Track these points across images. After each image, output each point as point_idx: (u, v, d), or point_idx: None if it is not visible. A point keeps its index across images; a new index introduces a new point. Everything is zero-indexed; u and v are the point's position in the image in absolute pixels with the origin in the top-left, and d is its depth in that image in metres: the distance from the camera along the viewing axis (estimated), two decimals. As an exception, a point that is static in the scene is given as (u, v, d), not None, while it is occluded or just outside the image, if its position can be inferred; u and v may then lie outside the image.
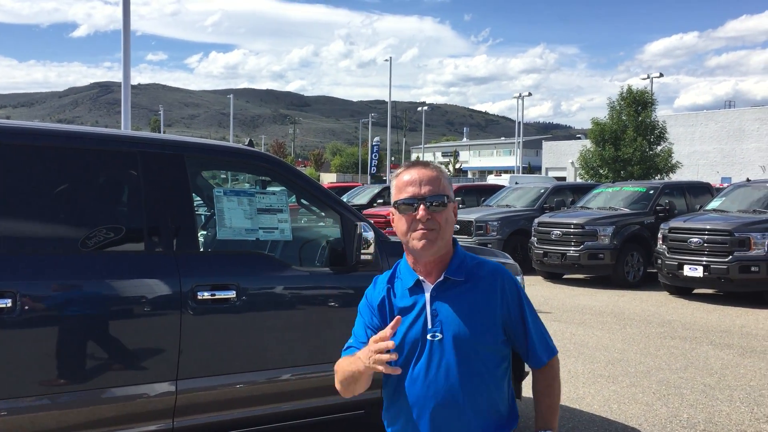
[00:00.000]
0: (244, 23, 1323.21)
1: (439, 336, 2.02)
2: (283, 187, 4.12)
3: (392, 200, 2.11)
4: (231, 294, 3.56)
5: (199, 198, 4.44)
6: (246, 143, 5.79)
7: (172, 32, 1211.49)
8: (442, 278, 2.06)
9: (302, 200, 4.30)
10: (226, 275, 3.60)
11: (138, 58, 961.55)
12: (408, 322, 2.06)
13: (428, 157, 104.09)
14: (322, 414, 3.97)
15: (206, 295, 3.48)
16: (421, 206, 2.02)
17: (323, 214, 4.33)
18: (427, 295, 2.06)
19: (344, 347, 2.18)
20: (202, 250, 4.03)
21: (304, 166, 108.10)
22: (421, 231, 2.02)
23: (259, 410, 3.74)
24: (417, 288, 2.08)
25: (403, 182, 2.08)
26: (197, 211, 4.55)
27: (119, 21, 13.81)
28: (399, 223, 2.08)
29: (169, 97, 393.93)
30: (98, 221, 3.46)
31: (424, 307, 2.06)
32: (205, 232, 4.47)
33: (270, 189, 4.33)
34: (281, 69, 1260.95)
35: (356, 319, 2.22)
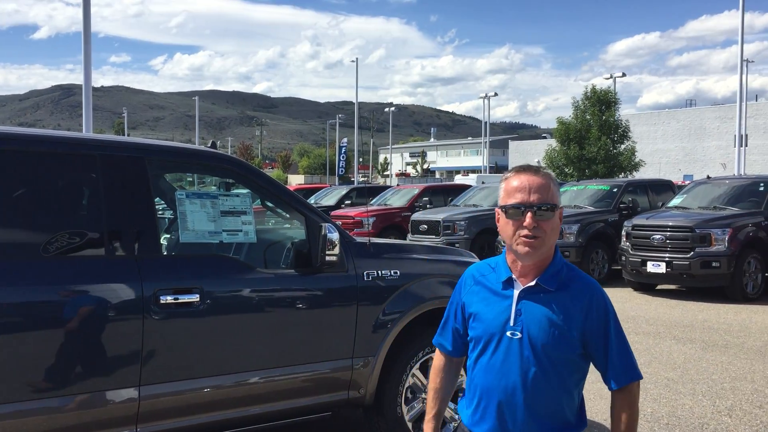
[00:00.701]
0: (209, 24, 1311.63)
1: (518, 335, 2.09)
2: (247, 189, 4.10)
3: (500, 203, 2.16)
4: (194, 297, 3.52)
5: (162, 201, 4.39)
6: (209, 145, 5.70)
7: (135, 34, 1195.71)
8: (533, 283, 2.12)
9: (266, 202, 4.27)
10: (189, 279, 3.56)
11: (101, 60, 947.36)
12: (493, 313, 2.14)
13: (396, 157, 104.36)
14: (290, 416, 3.96)
15: (169, 299, 3.44)
16: (529, 213, 2.07)
17: (288, 215, 4.31)
18: (516, 294, 2.13)
19: (441, 322, 2.39)
20: (165, 253, 3.98)
21: (272, 168, 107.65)
22: (526, 238, 2.07)
23: (226, 414, 3.70)
24: (508, 285, 2.16)
25: (513, 187, 2.12)
26: (161, 214, 4.49)
27: (81, 22, 13.56)
28: (505, 227, 2.13)
29: (134, 100, 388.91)
30: (58, 226, 3.40)
31: (510, 305, 2.12)
32: (168, 236, 4.42)
33: (234, 191, 4.30)
34: (247, 70, 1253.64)
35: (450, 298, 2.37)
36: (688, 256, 10.63)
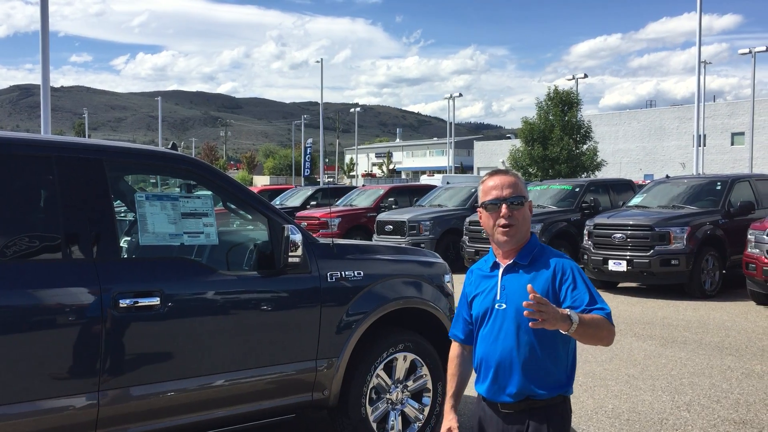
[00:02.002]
0: (173, 24, 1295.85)
1: (504, 306, 2.48)
2: (209, 191, 4.06)
3: (479, 202, 2.59)
4: (155, 301, 3.48)
5: (121, 203, 4.33)
6: (170, 146, 5.59)
7: (97, 33, 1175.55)
8: (511, 261, 2.52)
9: (228, 204, 4.24)
10: (149, 282, 3.52)
11: (61, 59, 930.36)
12: (485, 293, 2.55)
13: (362, 158, 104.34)
14: (254, 419, 3.95)
15: (129, 302, 3.40)
16: (503, 206, 2.49)
17: (250, 217, 4.29)
18: (500, 273, 2.53)
19: (455, 315, 2.77)
20: (125, 256, 3.93)
21: (237, 169, 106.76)
22: (502, 228, 2.49)
23: (190, 418, 3.67)
24: (494, 268, 2.57)
25: (488, 187, 2.56)
26: (121, 216, 4.43)
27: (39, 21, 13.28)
28: (486, 220, 2.56)
29: (95, 100, 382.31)
30: (15, 229, 3.33)
31: (496, 282, 2.53)
32: (128, 238, 4.36)
33: (196, 193, 4.26)
34: (212, 71, 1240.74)
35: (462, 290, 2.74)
36: (648, 254, 10.82)
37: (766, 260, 9.51)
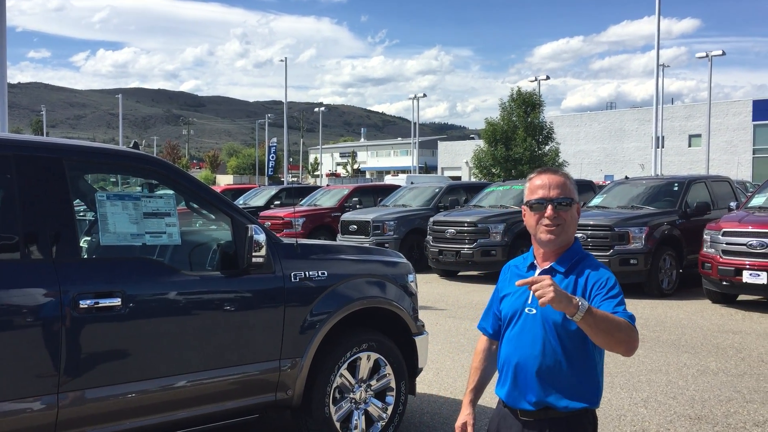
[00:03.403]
0: (135, 20, 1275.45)
1: (534, 311, 2.39)
2: (171, 191, 4.03)
3: (525, 200, 2.49)
4: (116, 301, 3.45)
5: (82, 203, 4.28)
6: (131, 145, 5.52)
7: (56, 29, 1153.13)
8: (548, 267, 2.43)
9: (191, 203, 4.22)
10: (110, 282, 3.49)
11: (18, 55, 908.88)
12: (517, 294, 2.46)
13: (326, 158, 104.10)
14: (217, 420, 3.93)
15: (89, 303, 3.36)
16: (549, 206, 2.40)
17: (213, 217, 4.27)
18: (536, 275, 2.34)
19: (485, 309, 2.71)
20: (85, 256, 3.88)
21: (200, 168, 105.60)
22: (547, 226, 2.40)
23: (152, 419, 3.64)
24: (531, 268, 2.50)
25: (535, 185, 2.47)
26: (83, 216, 4.37)
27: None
28: (530, 219, 2.46)
29: (53, 97, 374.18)
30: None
31: None
32: (88, 238, 4.30)
33: (158, 192, 4.22)
34: (174, 68, 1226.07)
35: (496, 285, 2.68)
36: (608, 253, 11.00)
37: (721, 260, 9.76)
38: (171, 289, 3.72)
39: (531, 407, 2.39)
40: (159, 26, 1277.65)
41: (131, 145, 4.72)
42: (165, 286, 3.70)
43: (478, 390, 2.63)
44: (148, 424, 3.64)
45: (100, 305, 3.40)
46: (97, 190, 4.29)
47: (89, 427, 3.43)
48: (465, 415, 2.59)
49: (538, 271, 2.45)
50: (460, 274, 14.27)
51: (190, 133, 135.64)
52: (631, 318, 2.26)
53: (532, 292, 2.30)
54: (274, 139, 56.69)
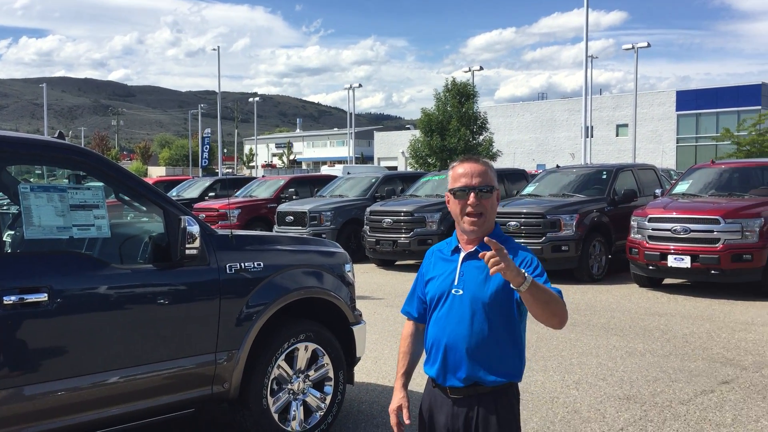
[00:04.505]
0: (59, 7, 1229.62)
1: (461, 292, 2.49)
2: (100, 182, 3.91)
3: (448, 187, 2.57)
4: (42, 297, 3.34)
5: (4, 195, 4.11)
6: (56, 135, 5.30)
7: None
8: (473, 249, 2.51)
9: (121, 195, 4.10)
10: (35, 277, 3.37)
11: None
12: (442, 276, 2.55)
13: (261, 148, 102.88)
14: (152, 415, 3.86)
15: (14, 299, 3.24)
16: (472, 194, 2.48)
17: (145, 208, 4.16)
18: (460, 258, 2.53)
19: (408, 294, 2.76)
20: (8, 251, 3.73)
21: (130, 160, 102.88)
22: (470, 216, 2.49)
23: (84, 417, 3.55)
24: (456, 253, 2.57)
25: (458, 174, 2.54)
26: (6, 209, 4.20)
27: None
28: (454, 207, 2.55)
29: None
30: None
31: (456, 267, 2.53)
32: (12, 232, 4.14)
33: (86, 184, 4.09)
34: (102, 57, 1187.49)
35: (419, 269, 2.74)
36: (541, 240, 11.26)
37: (647, 245, 10.12)
38: (101, 283, 3.62)
39: (460, 383, 2.48)
40: (85, 13, 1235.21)
41: (56, 136, 4.53)
42: (94, 280, 3.60)
43: (408, 373, 2.71)
44: (81, 422, 3.54)
45: (25, 301, 3.28)
46: (20, 182, 4.13)
47: (20, 425, 3.32)
48: (399, 399, 2.64)
49: (462, 255, 2.54)
50: (397, 263, 14.35)
51: (119, 124, 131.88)
52: (560, 293, 2.41)
53: (458, 273, 2.52)
54: (208, 130, 55.69)
